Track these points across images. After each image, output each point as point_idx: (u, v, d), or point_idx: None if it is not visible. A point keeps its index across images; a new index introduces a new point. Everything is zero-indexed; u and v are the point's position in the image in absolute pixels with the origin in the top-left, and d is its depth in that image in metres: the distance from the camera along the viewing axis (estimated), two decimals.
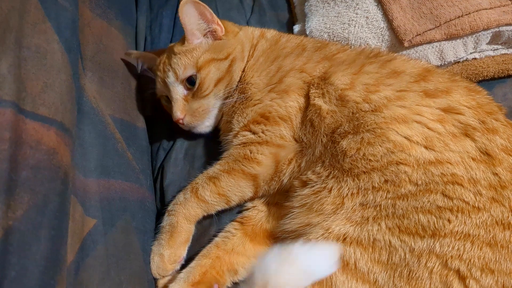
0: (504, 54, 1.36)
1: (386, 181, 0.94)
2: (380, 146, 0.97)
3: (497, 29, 1.31)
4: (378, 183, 0.95)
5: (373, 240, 0.90)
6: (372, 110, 1.02)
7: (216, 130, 1.31)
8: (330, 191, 1.00)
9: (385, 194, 0.93)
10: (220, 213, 1.19)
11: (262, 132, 1.13)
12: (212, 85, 1.23)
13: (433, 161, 0.93)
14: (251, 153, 1.12)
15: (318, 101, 1.09)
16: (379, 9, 1.36)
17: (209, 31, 1.27)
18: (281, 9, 1.75)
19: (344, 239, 0.92)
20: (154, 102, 1.37)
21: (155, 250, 1.12)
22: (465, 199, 0.88)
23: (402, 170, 0.94)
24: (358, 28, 1.34)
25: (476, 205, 0.88)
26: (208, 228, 1.19)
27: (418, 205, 0.90)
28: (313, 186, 1.04)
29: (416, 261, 0.86)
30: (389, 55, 1.18)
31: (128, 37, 1.53)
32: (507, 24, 1.30)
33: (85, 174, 1.01)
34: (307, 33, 1.42)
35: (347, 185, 0.98)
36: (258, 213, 1.18)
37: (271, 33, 1.36)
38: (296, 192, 1.08)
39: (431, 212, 0.88)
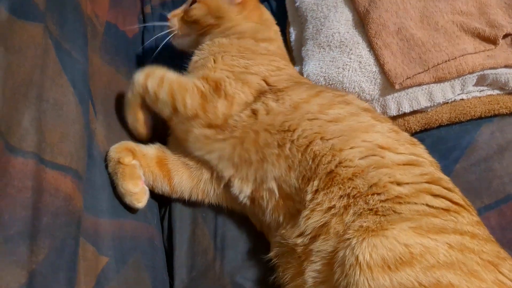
0: (490, 95, 1.43)
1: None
2: (351, 149, 1.06)
3: (482, 72, 1.38)
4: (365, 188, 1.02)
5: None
6: (331, 121, 1.12)
7: None
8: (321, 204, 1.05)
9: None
10: (223, 248, 1.26)
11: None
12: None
13: (407, 162, 1.05)
14: (199, 87, 1.25)
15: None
16: (371, 54, 1.43)
17: None
18: None
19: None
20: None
21: None
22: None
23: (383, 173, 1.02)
24: (352, 72, 1.42)
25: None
26: (212, 263, 1.26)
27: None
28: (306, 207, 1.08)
29: None
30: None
31: None
32: (491, 68, 1.37)
33: (97, 214, 1.08)
34: (304, 76, 1.50)
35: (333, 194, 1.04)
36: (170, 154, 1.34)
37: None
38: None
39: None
